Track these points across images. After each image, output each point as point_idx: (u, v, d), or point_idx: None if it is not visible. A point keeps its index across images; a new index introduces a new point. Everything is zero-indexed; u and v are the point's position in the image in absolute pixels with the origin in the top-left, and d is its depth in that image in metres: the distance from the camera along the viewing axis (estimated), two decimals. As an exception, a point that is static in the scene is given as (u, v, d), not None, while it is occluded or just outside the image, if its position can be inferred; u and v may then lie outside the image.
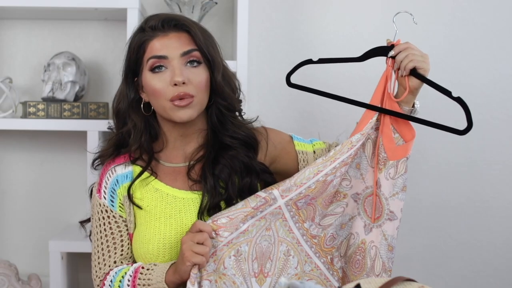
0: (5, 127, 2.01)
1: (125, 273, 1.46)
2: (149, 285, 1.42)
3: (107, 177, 1.52)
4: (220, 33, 2.18)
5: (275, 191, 1.42)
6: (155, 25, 1.46)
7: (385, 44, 1.50)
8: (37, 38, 2.20)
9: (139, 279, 1.43)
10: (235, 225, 1.39)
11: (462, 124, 1.45)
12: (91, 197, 1.57)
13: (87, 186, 1.67)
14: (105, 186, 1.52)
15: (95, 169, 1.58)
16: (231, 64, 1.90)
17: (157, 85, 1.45)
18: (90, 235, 1.58)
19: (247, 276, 1.41)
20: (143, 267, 1.44)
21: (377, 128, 1.49)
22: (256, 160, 1.53)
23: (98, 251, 1.51)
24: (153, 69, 1.45)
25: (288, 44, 2.19)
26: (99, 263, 1.50)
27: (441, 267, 2.22)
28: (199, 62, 1.47)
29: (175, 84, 1.43)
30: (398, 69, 1.46)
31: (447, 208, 2.21)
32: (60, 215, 2.19)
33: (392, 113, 1.47)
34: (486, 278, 2.22)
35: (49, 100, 2.05)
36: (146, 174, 1.52)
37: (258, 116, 1.61)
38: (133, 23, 1.91)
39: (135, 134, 1.50)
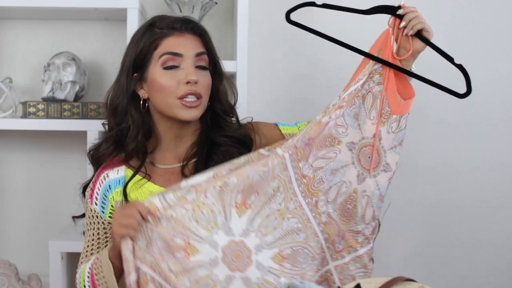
0: (5, 127, 2.01)
1: (88, 266, 1.49)
2: (102, 271, 1.43)
3: (100, 183, 1.53)
4: (220, 33, 2.17)
5: (278, 149, 1.47)
6: (173, 24, 1.49)
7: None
8: (37, 38, 2.20)
9: (95, 269, 1.45)
10: (232, 172, 1.43)
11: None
12: (84, 195, 1.58)
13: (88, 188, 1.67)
14: (97, 193, 1.53)
15: (94, 165, 1.58)
16: (231, 64, 1.90)
17: (168, 82, 1.46)
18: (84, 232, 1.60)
19: (227, 206, 1.41)
20: (97, 258, 1.46)
21: (379, 83, 1.51)
22: None
23: (83, 252, 1.54)
24: (167, 66, 1.46)
25: (288, 44, 2.19)
26: (81, 263, 1.53)
27: (442, 267, 2.22)
28: (206, 67, 1.51)
29: (188, 82, 1.46)
30: (404, 28, 1.49)
31: (447, 208, 2.21)
32: (60, 215, 2.18)
33: (393, 66, 1.50)
34: (487, 278, 2.22)
35: (49, 100, 2.05)
36: (139, 176, 1.52)
37: (252, 118, 1.63)
38: (133, 23, 1.91)
39: (133, 132, 1.49)
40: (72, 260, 2.05)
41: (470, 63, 2.15)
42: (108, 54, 2.21)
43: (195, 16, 1.97)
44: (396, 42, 1.51)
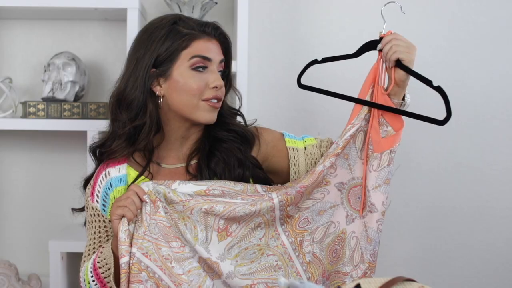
0: (5, 127, 2.01)
1: (90, 262, 1.50)
2: (106, 263, 1.45)
3: (101, 181, 1.53)
4: (220, 33, 2.17)
5: (273, 193, 1.46)
6: (204, 28, 1.49)
7: (378, 38, 1.51)
8: (37, 38, 2.20)
9: (98, 262, 1.46)
10: (223, 196, 1.44)
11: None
12: (84, 188, 1.58)
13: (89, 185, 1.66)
14: (98, 190, 1.53)
15: (98, 161, 1.56)
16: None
17: (195, 83, 1.47)
18: (85, 223, 1.60)
19: (210, 228, 1.43)
20: (100, 251, 1.48)
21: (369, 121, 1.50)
22: (248, 154, 1.55)
23: (86, 250, 1.55)
24: (196, 68, 1.47)
25: (288, 44, 2.19)
26: (84, 262, 1.54)
27: (442, 267, 2.22)
28: (224, 72, 1.54)
29: (215, 87, 1.48)
30: (385, 61, 1.47)
31: (447, 208, 2.21)
32: (60, 215, 2.18)
33: (373, 105, 1.48)
34: (486, 278, 2.22)
35: (49, 100, 2.05)
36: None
37: (256, 120, 1.63)
38: (133, 23, 1.91)
39: (149, 128, 1.47)
40: (72, 260, 2.07)
41: (470, 63, 2.18)
42: (108, 54, 2.21)
43: (194, 16, 1.97)
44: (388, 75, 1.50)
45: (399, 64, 1.44)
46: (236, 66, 1.93)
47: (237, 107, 1.63)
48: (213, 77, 1.48)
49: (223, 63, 1.53)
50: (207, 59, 1.47)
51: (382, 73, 1.48)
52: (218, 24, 1.54)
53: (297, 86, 1.64)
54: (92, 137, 1.82)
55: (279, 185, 1.55)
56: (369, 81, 1.50)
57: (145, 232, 1.40)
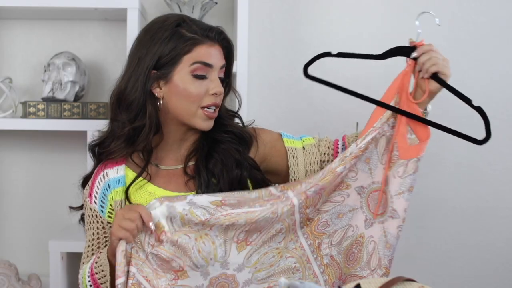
0: (5, 127, 2.02)
1: (88, 266, 1.50)
2: (102, 270, 1.44)
3: (99, 182, 1.53)
4: (220, 33, 2.17)
5: (289, 192, 1.45)
6: (207, 32, 1.48)
7: (406, 44, 1.50)
8: (37, 38, 2.21)
9: (95, 268, 1.46)
10: (240, 206, 1.42)
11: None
12: (83, 187, 1.58)
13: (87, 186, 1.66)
14: (96, 191, 1.52)
15: (97, 159, 1.56)
16: (231, 64, 1.91)
17: (196, 90, 1.46)
18: (80, 220, 1.60)
19: (229, 240, 1.42)
20: (97, 257, 1.47)
21: (393, 127, 1.49)
22: (246, 155, 1.55)
23: (85, 252, 1.55)
24: (196, 74, 1.46)
25: (288, 44, 2.19)
26: (83, 263, 1.54)
27: (442, 267, 2.23)
28: (224, 78, 1.53)
29: (214, 94, 1.47)
30: (420, 71, 1.46)
31: (447, 208, 2.21)
32: (60, 215, 2.17)
33: (407, 115, 1.47)
34: (486, 278, 2.22)
35: (49, 100, 2.05)
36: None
37: (254, 121, 1.63)
38: (133, 23, 1.92)
39: (148, 130, 1.46)
40: (72, 260, 2.07)
41: (470, 63, 2.18)
42: (108, 54, 2.21)
43: (195, 16, 1.97)
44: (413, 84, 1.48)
45: (435, 77, 1.43)
46: (236, 66, 1.93)
47: (236, 108, 1.63)
48: (214, 83, 1.48)
49: (224, 69, 1.52)
50: (208, 65, 1.47)
51: (412, 81, 1.46)
52: (222, 29, 1.53)
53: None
54: (92, 135, 1.82)
55: (292, 182, 1.54)
56: (396, 86, 1.48)
57: (147, 257, 1.39)
